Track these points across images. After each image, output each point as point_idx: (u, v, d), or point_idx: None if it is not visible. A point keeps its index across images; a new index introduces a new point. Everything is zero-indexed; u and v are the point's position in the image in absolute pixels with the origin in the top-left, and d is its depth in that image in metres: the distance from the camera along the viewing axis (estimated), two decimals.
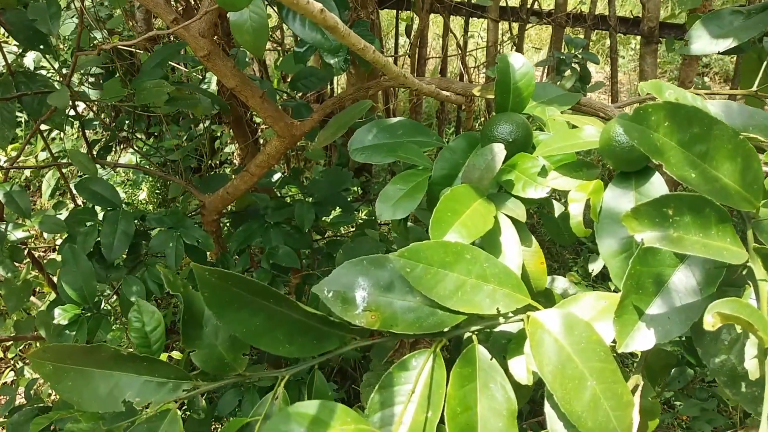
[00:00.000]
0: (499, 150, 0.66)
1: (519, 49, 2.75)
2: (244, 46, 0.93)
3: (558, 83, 2.00)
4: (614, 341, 0.55)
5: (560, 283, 0.77)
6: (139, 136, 2.92)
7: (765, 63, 0.88)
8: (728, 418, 1.69)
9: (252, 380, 0.80)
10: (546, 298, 0.73)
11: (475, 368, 0.58)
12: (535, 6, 2.57)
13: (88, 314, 1.16)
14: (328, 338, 0.62)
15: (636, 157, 0.60)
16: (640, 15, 2.39)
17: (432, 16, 2.40)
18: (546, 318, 0.56)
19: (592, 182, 0.64)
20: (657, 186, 0.60)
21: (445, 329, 0.59)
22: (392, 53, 2.91)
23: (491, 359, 0.58)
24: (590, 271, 1.24)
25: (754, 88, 0.86)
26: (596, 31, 2.82)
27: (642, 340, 0.54)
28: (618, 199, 0.62)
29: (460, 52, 1.26)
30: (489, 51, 2.78)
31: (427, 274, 0.58)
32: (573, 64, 2.40)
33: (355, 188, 3.04)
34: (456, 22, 3.51)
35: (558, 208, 0.78)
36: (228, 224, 1.76)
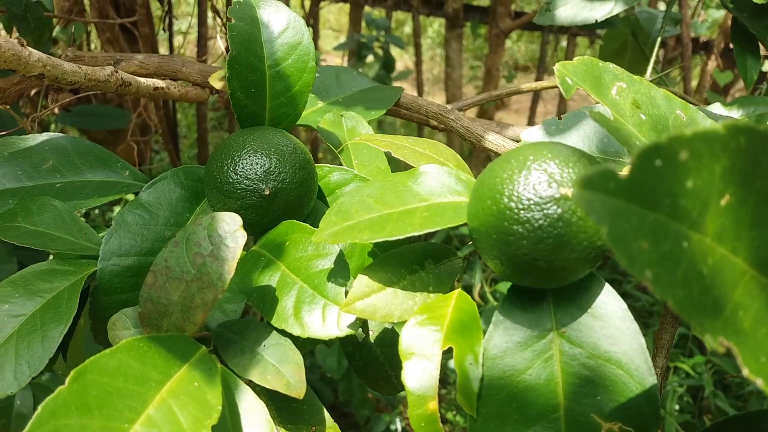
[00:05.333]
0: (231, 232, 0.27)
1: (315, 32, 2.38)
2: None
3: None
4: None
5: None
6: None
7: (657, 43, 0.60)
8: None
9: None
10: None
11: None
12: None
13: None
14: None
15: (571, 261, 0.24)
16: None
17: None
18: None
19: (451, 300, 0.28)
20: (614, 318, 0.25)
21: None
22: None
23: None
24: None
25: (648, 76, 0.57)
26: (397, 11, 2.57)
27: None
28: (519, 352, 0.26)
29: (221, 23, 0.87)
30: None
31: None
32: (376, 48, 2.10)
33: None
34: None
35: (374, 326, 0.40)
36: None
